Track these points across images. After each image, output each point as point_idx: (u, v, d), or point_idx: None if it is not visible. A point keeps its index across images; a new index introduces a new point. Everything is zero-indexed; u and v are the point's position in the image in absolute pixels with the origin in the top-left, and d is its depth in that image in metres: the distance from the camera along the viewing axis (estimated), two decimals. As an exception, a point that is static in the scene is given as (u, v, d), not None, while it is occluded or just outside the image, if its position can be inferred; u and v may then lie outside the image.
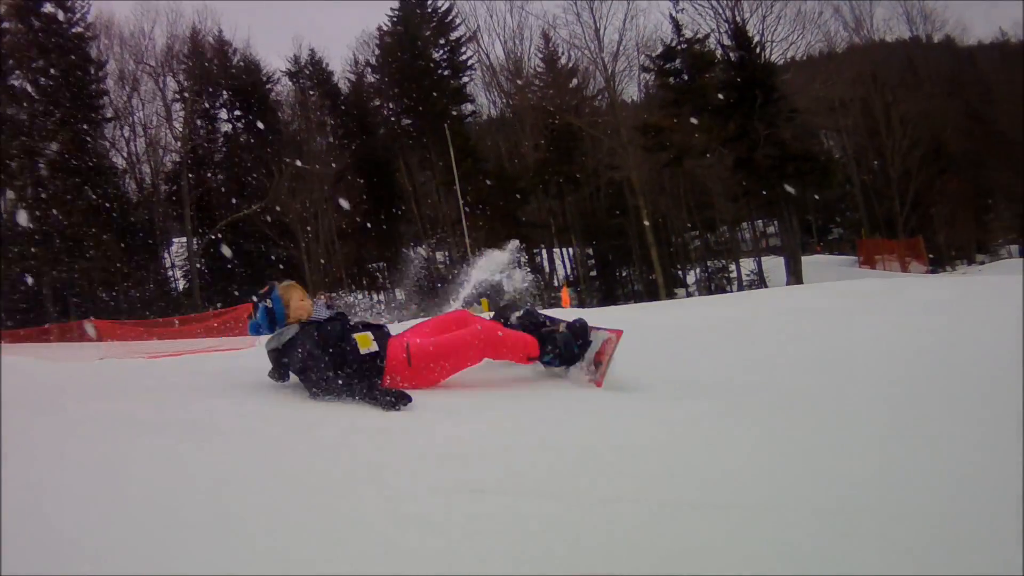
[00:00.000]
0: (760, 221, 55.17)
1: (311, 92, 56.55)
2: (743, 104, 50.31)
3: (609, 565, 3.33)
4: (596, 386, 5.85)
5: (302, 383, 5.76)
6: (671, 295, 41.78)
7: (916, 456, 4.76)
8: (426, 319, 6.63)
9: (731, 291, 42.92)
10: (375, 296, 58.10)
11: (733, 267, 50.15)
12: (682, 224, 49.27)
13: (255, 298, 6.02)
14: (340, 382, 5.59)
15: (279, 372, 5.88)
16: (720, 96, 50.15)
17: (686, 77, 52.19)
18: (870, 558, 3.79)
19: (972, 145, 61.78)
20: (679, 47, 52.37)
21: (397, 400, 5.24)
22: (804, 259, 50.62)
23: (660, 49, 53.45)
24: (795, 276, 47.30)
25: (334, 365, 5.69)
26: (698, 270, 48.39)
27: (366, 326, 6.06)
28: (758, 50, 52.95)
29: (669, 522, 3.65)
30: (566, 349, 6.21)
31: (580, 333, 6.23)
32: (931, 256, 54.42)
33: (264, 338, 6.09)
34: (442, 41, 56.57)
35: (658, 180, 52.05)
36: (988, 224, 66.91)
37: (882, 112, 55.79)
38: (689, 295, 43.45)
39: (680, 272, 48.29)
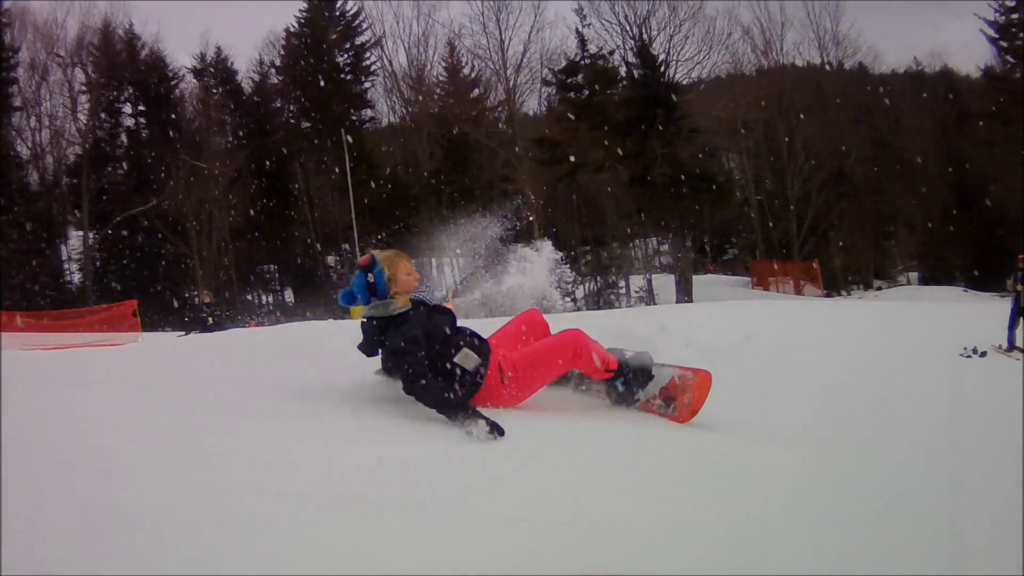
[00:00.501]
0: (654, 239, 55.32)
1: (214, 91, 56.99)
2: (642, 122, 50.50)
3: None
4: (676, 421, 5.79)
5: (392, 367, 5.49)
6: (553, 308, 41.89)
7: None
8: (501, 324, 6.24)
9: (619, 307, 43.15)
10: (264, 297, 58.83)
11: (623, 283, 50.47)
12: (574, 239, 49.37)
13: (354, 268, 5.61)
14: (444, 390, 5.25)
15: (370, 346, 5.51)
16: (620, 113, 50.67)
17: (587, 92, 52.61)
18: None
19: (876, 172, 63.26)
20: (583, 62, 52.77)
21: (493, 428, 4.82)
22: (697, 278, 50.47)
23: (563, 63, 53.88)
24: (685, 294, 47.55)
25: (432, 365, 5.27)
26: (587, 285, 48.19)
27: (472, 334, 5.60)
28: (662, 69, 53.26)
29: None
30: (635, 378, 6.04)
31: (645, 368, 6.10)
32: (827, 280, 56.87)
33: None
34: (347, 45, 57.41)
35: (552, 194, 53.14)
36: (888, 250, 68.23)
37: (785, 135, 56.18)
38: (576, 309, 43.32)
39: (569, 286, 48.36)
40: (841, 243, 55.25)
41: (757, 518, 4.31)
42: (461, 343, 5.43)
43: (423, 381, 5.03)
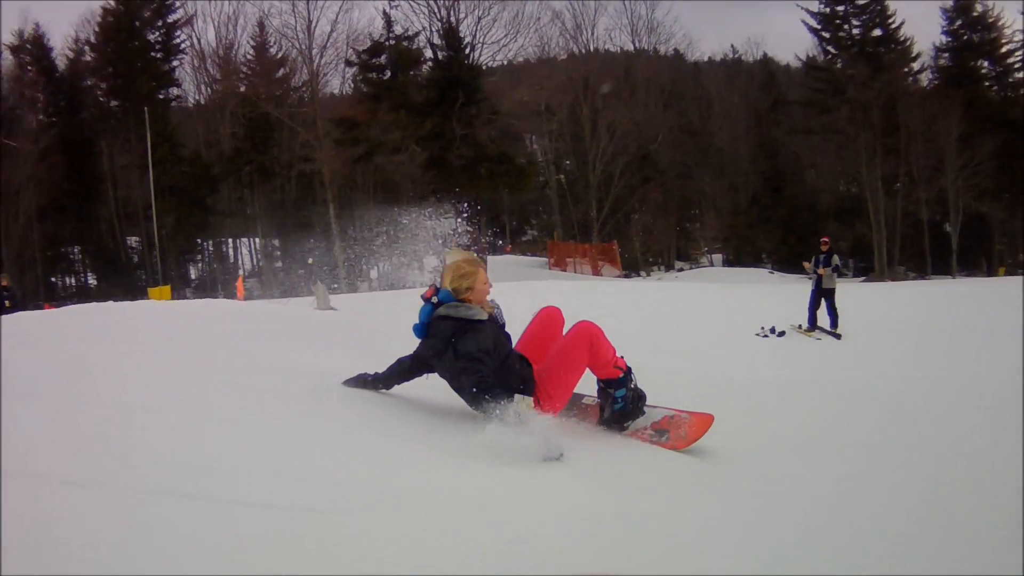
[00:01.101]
0: (454, 219, 55.79)
1: (29, 68, 56.30)
2: (443, 103, 51.15)
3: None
4: (669, 448, 5.85)
5: (458, 374, 5.43)
6: (353, 288, 42.96)
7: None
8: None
9: (414, 287, 43.40)
10: (67, 280, 57.97)
11: (418, 264, 51.21)
12: (371, 219, 50.24)
13: (422, 299, 5.59)
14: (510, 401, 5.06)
15: (443, 345, 5.46)
16: (421, 94, 52.05)
17: (389, 74, 53.30)
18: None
19: (684, 156, 64.34)
20: (387, 43, 53.17)
21: (552, 450, 4.87)
22: (494, 259, 50.86)
23: (368, 44, 53.48)
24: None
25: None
26: (382, 265, 48.90)
27: (520, 356, 5.67)
28: (467, 51, 53.71)
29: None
30: (633, 403, 5.99)
31: (641, 400, 6.14)
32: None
33: None
34: (159, 23, 57.14)
35: (350, 174, 53.94)
36: (693, 233, 69.55)
37: (589, 119, 56.83)
38: (371, 289, 43.83)
39: (364, 266, 48.91)
40: (643, 225, 52.19)
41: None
42: (516, 365, 5.52)
43: (496, 391, 5.07)
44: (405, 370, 5.66)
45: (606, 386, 5.66)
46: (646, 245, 57.70)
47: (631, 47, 65.34)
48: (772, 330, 17.56)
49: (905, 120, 58.75)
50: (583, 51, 59.61)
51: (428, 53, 54.92)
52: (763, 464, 5.71)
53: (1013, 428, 7.38)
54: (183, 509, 3.73)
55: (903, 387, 10.11)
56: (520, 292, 21.40)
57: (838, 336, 17.60)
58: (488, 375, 5.02)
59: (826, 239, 19.42)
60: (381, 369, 6.00)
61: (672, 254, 65.06)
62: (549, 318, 5.85)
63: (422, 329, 5.43)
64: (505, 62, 57.14)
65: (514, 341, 5.79)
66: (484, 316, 5.25)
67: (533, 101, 55.56)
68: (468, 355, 5.05)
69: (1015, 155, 62.65)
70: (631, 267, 51.26)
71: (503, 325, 5.53)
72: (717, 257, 66.18)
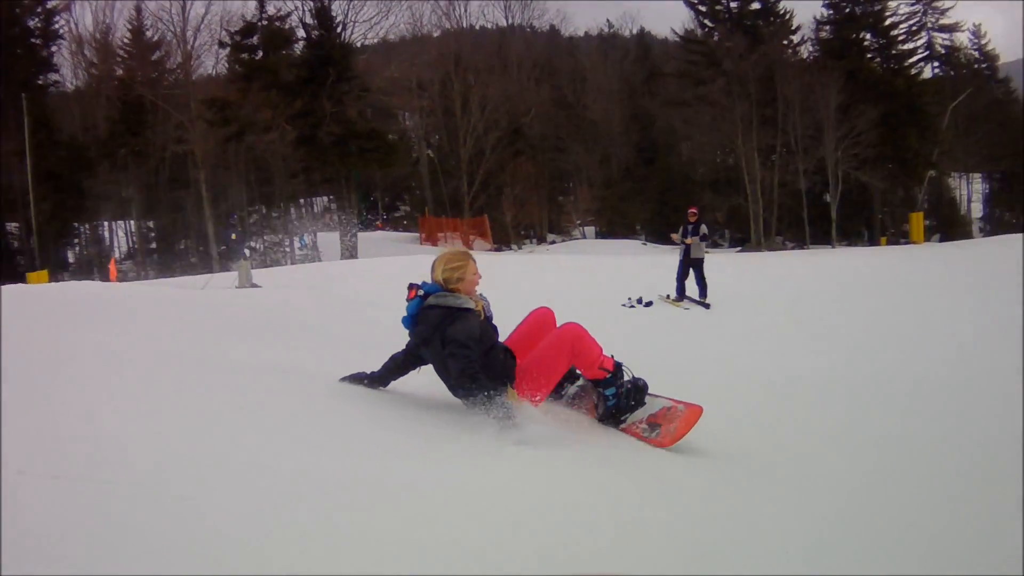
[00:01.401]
0: (324, 197, 56.14)
1: None
2: (313, 82, 52.94)
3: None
4: (656, 445, 5.79)
5: (445, 361, 5.52)
6: (226, 268, 43.50)
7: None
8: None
9: (286, 264, 43.93)
10: None
11: (289, 242, 51.25)
12: (243, 199, 49.84)
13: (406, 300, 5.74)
14: (491, 390, 5.30)
15: (432, 332, 5.56)
16: (292, 74, 53.83)
17: (261, 54, 54.65)
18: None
19: (556, 130, 66.18)
20: (260, 24, 54.67)
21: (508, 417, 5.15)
22: (366, 235, 53.88)
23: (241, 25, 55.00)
24: (349, 251, 50.12)
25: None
26: (256, 244, 48.84)
27: (505, 348, 5.82)
28: (339, 30, 55.97)
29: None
30: (626, 398, 5.96)
31: (640, 392, 6.06)
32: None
33: None
34: (39, 9, 58.57)
35: (222, 155, 54.75)
36: (565, 206, 71.47)
37: (460, 94, 59.04)
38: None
39: (239, 245, 49.32)
40: (514, 199, 52.81)
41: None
42: (501, 356, 5.68)
43: (480, 379, 5.27)
44: (399, 365, 5.80)
45: (595, 385, 5.84)
46: (518, 219, 61.06)
47: (504, 22, 61.31)
48: (639, 300, 17.58)
49: (783, 91, 59.55)
50: (456, 27, 57.61)
51: (301, 33, 56.94)
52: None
53: (874, 378, 9.22)
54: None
55: (764, 358, 10.80)
56: (390, 267, 23.13)
57: (706, 306, 17.70)
58: (474, 362, 5.21)
59: (694, 209, 19.65)
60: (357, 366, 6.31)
61: (544, 227, 67.63)
62: (541, 318, 6.02)
63: (411, 320, 5.60)
64: (377, 40, 60.18)
65: (503, 335, 5.98)
66: (472, 306, 5.44)
67: (404, 77, 57.96)
68: (456, 342, 5.21)
69: (897, 125, 64.29)
70: (503, 240, 52.78)
71: (490, 318, 5.70)
72: (590, 229, 68.47)
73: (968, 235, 73.01)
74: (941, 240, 66.09)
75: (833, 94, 59.31)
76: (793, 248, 58.25)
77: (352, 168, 50.77)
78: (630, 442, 5.71)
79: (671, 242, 20.41)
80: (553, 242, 63.07)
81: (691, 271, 18.52)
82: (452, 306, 5.40)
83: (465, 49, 60.25)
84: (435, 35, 63.06)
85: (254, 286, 20.41)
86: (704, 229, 18.92)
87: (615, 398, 5.81)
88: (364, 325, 11.64)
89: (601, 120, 63.24)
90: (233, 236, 23.98)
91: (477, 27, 67.14)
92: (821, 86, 59.16)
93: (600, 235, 62.21)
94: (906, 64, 71.36)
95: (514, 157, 57.54)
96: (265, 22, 54.31)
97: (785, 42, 65.21)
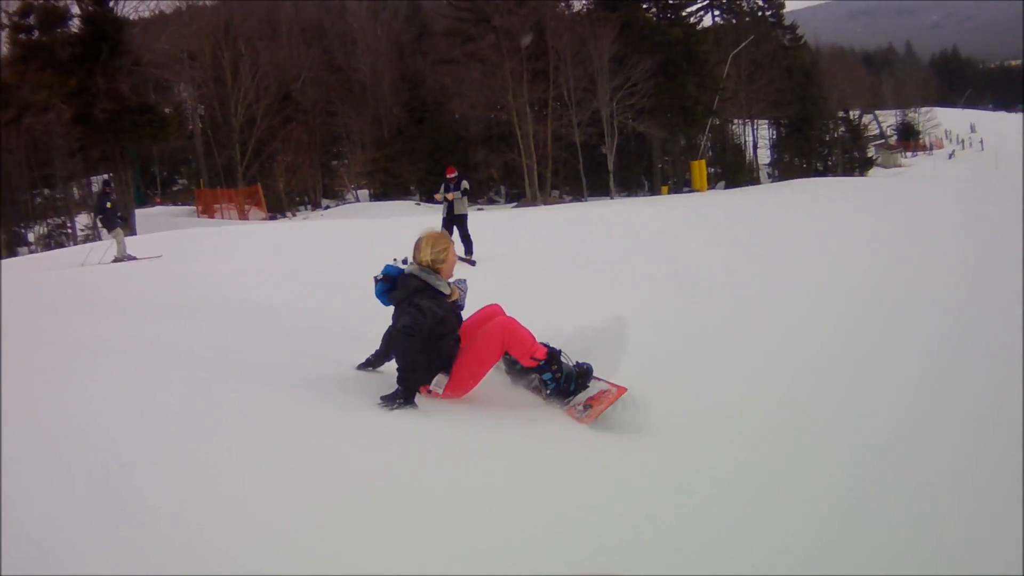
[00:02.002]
0: (106, 175, 56.20)
1: None
2: (87, 59, 53.25)
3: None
4: (581, 423, 6.29)
5: (396, 319, 6.25)
6: (13, 253, 42.25)
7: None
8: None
9: (69, 246, 43.60)
10: None
11: (71, 223, 50.70)
12: (23, 182, 49.03)
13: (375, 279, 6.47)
14: (415, 369, 5.91)
15: (404, 295, 6.23)
16: (66, 51, 53.54)
17: (37, 33, 55.71)
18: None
19: (327, 94, 69.75)
20: (35, 3, 55.75)
21: (389, 402, 5.77)
22: (145, 211, 57.08)
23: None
24: (128, 228, 46.81)
25: (426, 342, 6.10)
26: (38, 228, 48.22)
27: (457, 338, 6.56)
28: (112, 4, 56.56)
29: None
30: (565, 383, 6.63)
31: (584, 376, 6.66)
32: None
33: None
34: None
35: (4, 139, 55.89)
36: (338, 170, 75.50)
37: (230, 63, 62.92)
38: (32, 252, 43.73)
39: (23, 230, 48.29)
40: (287, 166, 52.71)
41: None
42: (452, 342, 6.40)
43: (416, 344, 5.93)
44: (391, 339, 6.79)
45: (534, 372, 6.66)
46: (291, 185, 69.44)
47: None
48: (405, 261, 16.77)
49: (555, 44, 61.91)
50: None
51: (76, 10, 57.09)
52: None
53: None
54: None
55: (525, 314, 10.74)
56: (165, 245, 23.14)
57: (472, 263, 18.28)
58: (421, 329, 6.01)
59: (451, 167, 20.21)
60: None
61: (319, 192, 73.26)
62: (491, 313, 6.80)
63: (386, 288, 6.43)
64: (150, 13, 63.02)
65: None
66: (447, 291, 6.39)
67: (176, 49, 60.24)
68: (419, 307, 6.05)
69: (675, 74, 67.42)
70: (277, 208, 53.04)
71: (461, 307, 6.61)
72: (364, 192, 74.48)
73: (756, 181, 78.19)
74: (727, 187, 69.84)
75: (607, 45, 62.27)
76: (570, 201, 60.40)
77: (127, 144, 50.70)
78: (558, 422, 6.31)
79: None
80: (328, 207, 69.63)
81: (456, 229, 19.17)
82: (431, 284, 6.32)
83: (236, 17, 59.61)
84: (210, 4, 62.58)
85: (131, 258, 21.13)
86: (465, 185, 19.37)
87: (553, 382, 6.62)
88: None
89: (372, 82, 67.18)
90: (109, 204, 23.47)
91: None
92: (594, 38, 62.17)
93: (374, 197, 64.80)
94: (684, 13, 75.93)
95: (285, 124, 61.29)
96: (40, 1, 53.97)
97: (556, -4, 77.74)
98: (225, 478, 4.36)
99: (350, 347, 7.53)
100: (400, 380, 6.03)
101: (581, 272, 16.65)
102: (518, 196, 68.52)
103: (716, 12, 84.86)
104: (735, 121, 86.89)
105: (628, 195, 68.93)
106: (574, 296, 13.61)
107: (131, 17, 59.83)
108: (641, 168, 76.58)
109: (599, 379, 6.74)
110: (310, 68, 70.21)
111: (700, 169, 63.51)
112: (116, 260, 21.02)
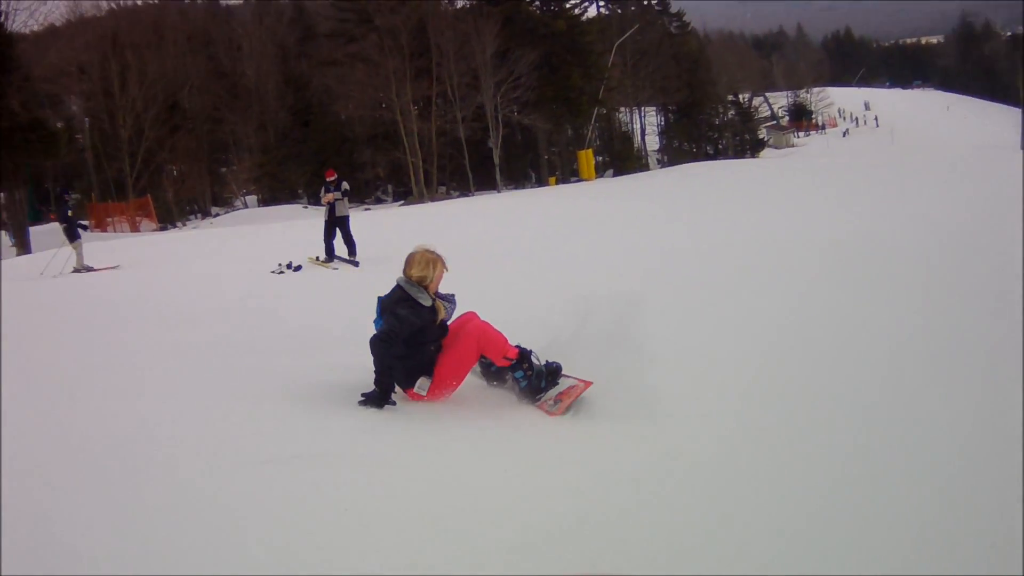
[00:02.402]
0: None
1: None
2: None
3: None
4: (552, 416, 6.81)
5: (385, 325, 6.74)
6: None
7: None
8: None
9: None
10: None
11: None
12: None
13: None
14: (390, 373, 6.61)
15: (391, 305, 6.87)
16: None
17: None
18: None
19: (214, 100, 69.63)
20: None
21: (369, 401, 6.56)
22: (40, 228, 52.81)
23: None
24: (21, 247, 50.35)
25: (405, 352, 6.83)
26: None
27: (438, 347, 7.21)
28: (2, 19, 56.48)
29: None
30: (536, 380, 7.21)
31: (553, 374, 7.24)
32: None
33: None
34: None
35: None
36: (226, 177, 75.29)
37: (118, 74, 62.52)
38: None
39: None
40: (176, 175, 52.52)
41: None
42: (433, 349, 7.09)
43: (391, 350, 6.61)
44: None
45: (507, 371, 7.32)
46: (180, 195, 59.60)
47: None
48: (289, 265, 18.48)
49: (437, 41, 62.84)
50: (116, 5, 58.44)
51: None
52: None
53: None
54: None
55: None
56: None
57: (356, 263, 18.92)
58: (397, 336, 6.76)
59: (330, 170, 20.60)
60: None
61: (208, 200, 73.52)
62: (467, 320, 7.32)
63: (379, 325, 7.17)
64: (40, 27, 65.31)
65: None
66: (429, 303, 6.99)
67: (65, 62, 60.77)
68: (397, 316, 6.81)
69: (559, 66, 68.07)
70: (167, 219, 52.43)
71: (446, 321, 7.22)
72: (253, 198, 74.63)
73: (645, 167, 79.92)
74: (615, 175, 71.72)
75: (490, 40, 63.16)
76: (458, 196, 62.44)
77: (19, 161, 50.48)
78: (531, 417, 6.91)
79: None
80: (217, 215, 70.17)
81: (338, 231, 19.67)
82: (412, 296, 6.98)
83: (123, 26, 59.55)
84: (99, 15, 62.93)
85: (89, 269, 21.32)
86: (345, 186, 19.88)
87: (525, 379, 7.32)
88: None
89: (257, 86, 67.92)
90: (70, 212, 23.80)
91: (139, 2, 66.77)
92: (477, 33, 63.03)
93: (262, 203, 63.90)
94: (568, 5, 76.26)
95: (173, 133, 59.84)
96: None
97: (440, -8, 75.46)
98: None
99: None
100: (377, 382, 6.80)
101: (493, 263, 16.63)
102: (405, 194, 68.85)
103: (601, 2, 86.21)
104: (622, 109, 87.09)
105: (515, 188, 69.39)
106: (481, 291, 12.74)
107: (22, 31, 60.61)
108: (528, 160, 77.65)
109: (567, 376, 7.36)
110: (196, 75, 70.22)
111: (587, 158, 64.47)
112: (75, 271, 21.11)
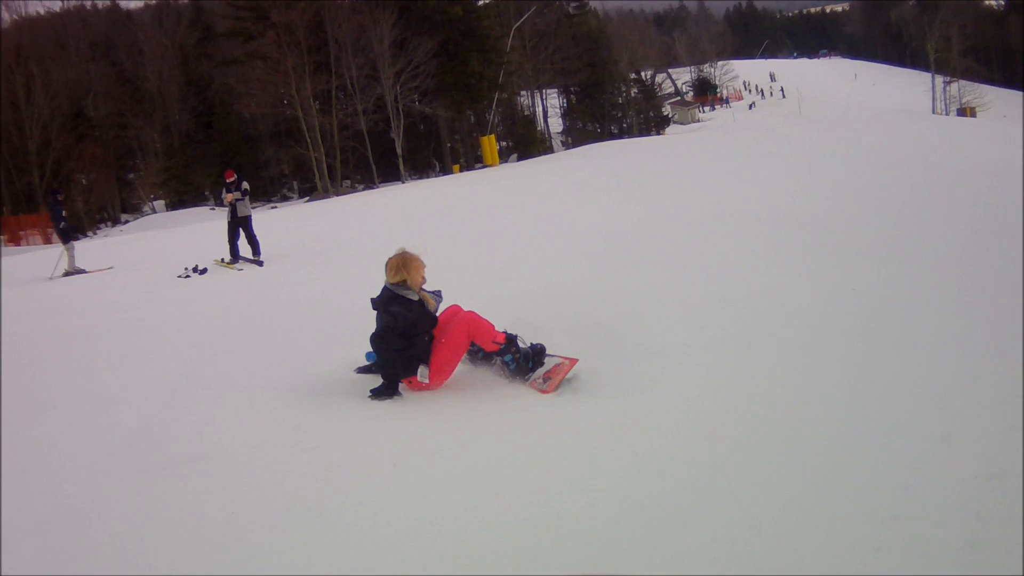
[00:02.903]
0: None
1: None
2: None
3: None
4: (545, 393, 7.48)
5: (381, 323, 7.58)
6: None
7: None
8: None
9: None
10: None
11: None
12: None
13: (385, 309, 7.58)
14: (393, 365, 7.50)
15: (382, 305, 7.69)
16: None
17: None
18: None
19: (118, 107, 70.19)
20: None
21: (378, 394, 7.45)
22: None
23: None
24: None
25: (403, 344, 7.65)
26: None
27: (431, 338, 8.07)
28: None
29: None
30: (524, 361, 7.91)
31: (539, 355, 7.92)
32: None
33: None
34: None
35: None
36: (134, 183, 76.00)
37: (23, 86, 63.08)
38: None
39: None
40: (84, 184, 53.24)
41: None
42: (427, 340, 7.82)
43: (390, 344, 7.44)
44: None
45: (496, 355, 8.07)
46: (89, 204, 56.69)
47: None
48: (195, 269, 18.68)
49: (335, 34, 63.82)
50: (18, 17, 59.57)
51: None
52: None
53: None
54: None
55: (311, 305, 12.55)
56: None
57: (260, 263, 19.14)
58: (393, 331, 7.63)
59: (229, 171, 20.75)
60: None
61: (117, 208, 73.69)
62: (453, 312, 8.11)
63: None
64: None
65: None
66: (416, 298, 7.87)
67: None
68: (391, 313, 7.68)
69: (457, 52, 69.14)
70: (78, 228, 53.18)
71: (435, 312, 8.02)
72: (161, 203, 75.97)
73: (549, 150, 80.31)
74: (520, 159, 71.63)
75: (387, 30, 64.07)
76: (363, 189, 66.38)
77: None
78: (524, 396, 7.56)
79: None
80: (127, 222, 70.25)
81: (241, 231, 19.79)
82: (400, 294, 7.83)
83: (26, 38, 60.13)
84: (3, 28, 63.73)
85: (81, 271, 21.36)
86: (245, 186, 19.98)
87: (513, 362, 8.06)
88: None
89: (159, 90, 66.29)
90: (65, 213, 23.34)
91: (43, 12, 67.55)
92: (374, 23, 63.88)
93: (170, 207, 64.31)
94: None
95: (79, 141, 59.82)
96: None
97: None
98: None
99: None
100: (384, 375, 7.76)
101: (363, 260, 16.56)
102: (310, 190, 69.07)
103: None
104: (523, 93, 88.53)
105: (420, 178, 69.63)
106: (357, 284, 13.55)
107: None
108: (431, 149, 78.09)
109: (552, 355, 8.08)
110: (100, 82, 70.43)
111: (490, 144, 64.31)
112: (67, 274, 21.05)
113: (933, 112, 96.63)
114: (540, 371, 7.88)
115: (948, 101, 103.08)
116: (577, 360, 7.76)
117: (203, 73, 73.36)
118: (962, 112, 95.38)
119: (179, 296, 15.71)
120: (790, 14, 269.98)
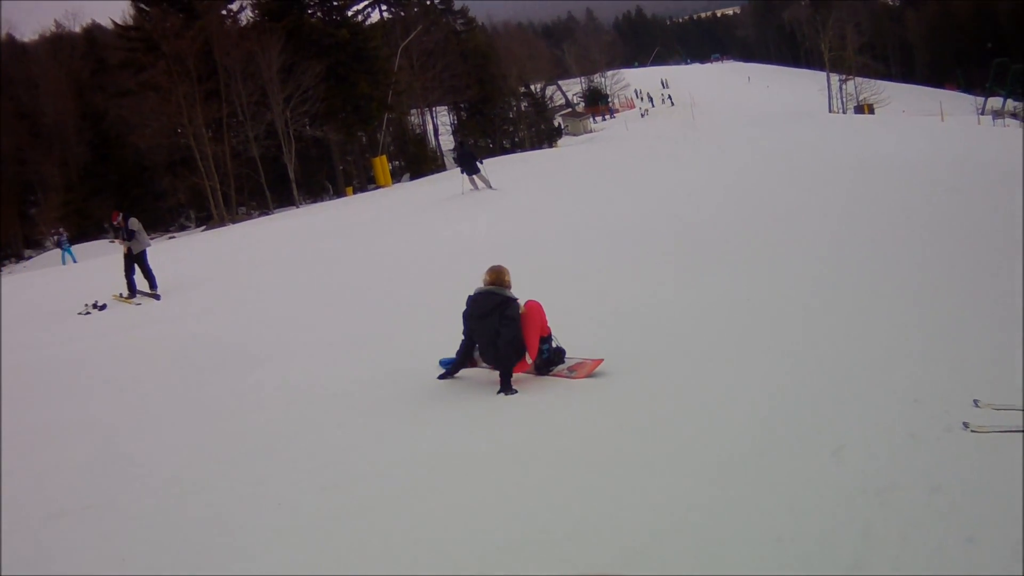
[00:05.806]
0: None
1: None
2: None
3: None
4: (574, 380, 9.20)
5: (499, 328, 8.94)
6: None
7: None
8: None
9: None
10: None
11: None
12: None
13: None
14: (512, 360, 9.39)
15: (488, 309, 9.19)
16: None
17: None
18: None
19: (14, 141, 72.07)
20: None
21: (508, 391, 9.11)
22: None
23: None
24: None
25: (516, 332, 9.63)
26: None
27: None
28: None
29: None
30: (550, 354, 9.53)
31: (560, 354, 9.58)
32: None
33: None
34: None
35: None
36: (36, 218, 77.77)
37: None
38: None
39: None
40: None
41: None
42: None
43: (514, 345, 9.17)
44: (468, 350, 10.02)
45: (541, 343, 9.82)
46: None
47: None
48: (95, 305, 19.39)
49: (223, 62, 65.48)
50: None
51: None
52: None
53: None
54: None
55: (212, 337, 14.05)
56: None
57: (158, 297, 20.00)
58: (516, 333, 9.27)
59: (115, 212, 21.26)
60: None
61: (20, 244, 76.55)
62: (531, 307, 9.66)
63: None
64: None
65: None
66: (514, 297, 9.70)
67: None
68: (510, 317, 9.32)
69: (345, 75, 71.95)
70: None
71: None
72: (61, 237, 66.94)
73: (441, 168, 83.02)
74: (412, 178, 75.49)
75: (275, 56, 66.45)
76: (259, 215, 68.41)
77: None
78: (559, 382, 9.17)
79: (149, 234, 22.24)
80: (30, 258, 72.34)
81: (136, 267, 20.19)
82: (508, 296, 9.40)
83: None
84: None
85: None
86: (133, 225, 20.06)
87: (547, 352, 9.82)
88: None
89: (56, 123, 67.63)
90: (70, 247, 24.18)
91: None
92: (262, 50, 66.39)
93: (72, 240, 65.91)
94: (350, 13, 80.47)
95: None
96: None
97: (224, 12, 74.84)
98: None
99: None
100: (505, 372, 9.14)
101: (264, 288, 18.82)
102: (207, 219, 70.48)
103: (383, 7, 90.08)
104: (413, 112, 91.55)
105: (314, 201, 71.92)
106: (251, 313, 15.93)
107: None
108: (324, 172, 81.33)
109: (571, 357, 9.79)
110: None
111: (382, 165, 66.01)
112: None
113: (830, 111, 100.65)
114: (561, 367, 9.66)
115: (845, 99, 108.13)
116: (602, 360, 9.41)
117: (98, 105, 76.00)
118: (860, 109, 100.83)
119: (80, 333, 16.68)
120: (680, 19, 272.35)
